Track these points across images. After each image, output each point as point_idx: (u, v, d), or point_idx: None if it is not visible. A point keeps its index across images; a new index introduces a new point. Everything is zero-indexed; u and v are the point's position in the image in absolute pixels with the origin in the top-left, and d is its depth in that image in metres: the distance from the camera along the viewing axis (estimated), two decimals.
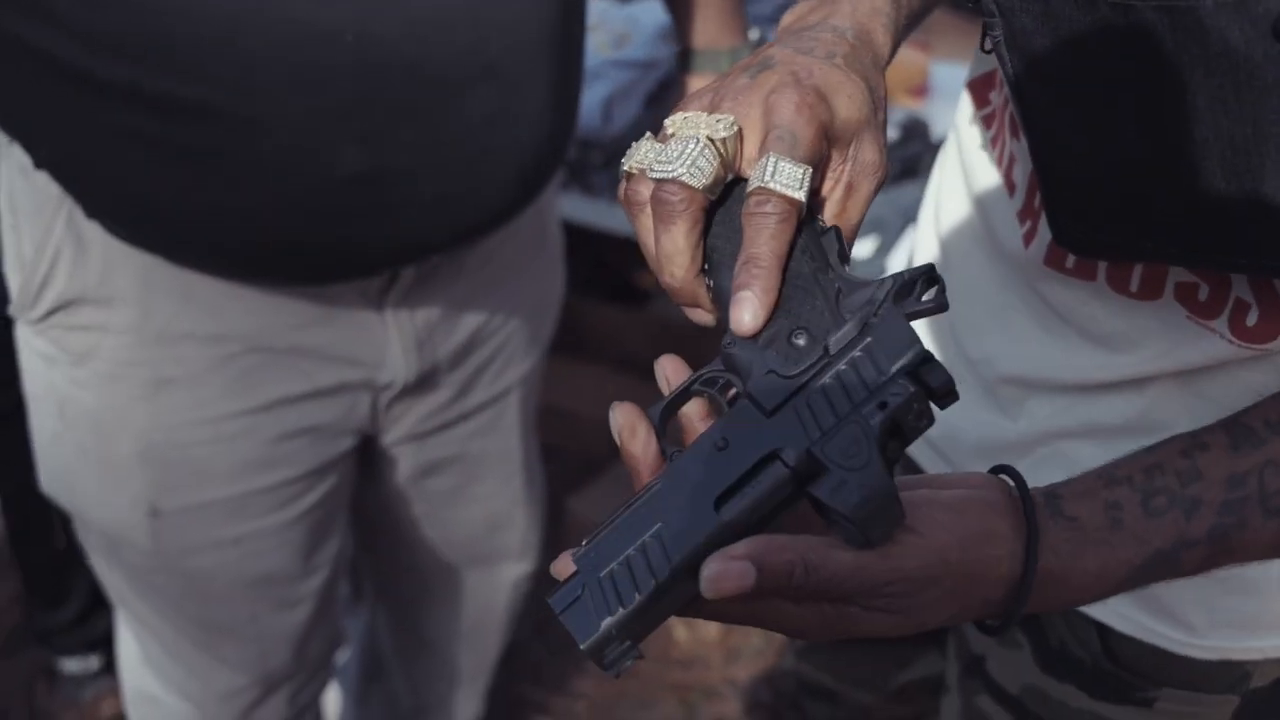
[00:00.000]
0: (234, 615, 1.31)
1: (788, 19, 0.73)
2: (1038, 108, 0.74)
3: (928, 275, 0.61)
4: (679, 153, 0.62)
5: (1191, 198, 0.69)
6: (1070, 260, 0.84)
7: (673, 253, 0.63)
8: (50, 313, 1.12)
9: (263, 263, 1.06)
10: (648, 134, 0.66)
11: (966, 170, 0.95)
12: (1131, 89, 0.69)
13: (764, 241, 0.61)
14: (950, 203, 0.98)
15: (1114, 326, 0.84)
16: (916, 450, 1.03)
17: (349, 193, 1.00)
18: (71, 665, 2.11)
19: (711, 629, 2.25)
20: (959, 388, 0.87)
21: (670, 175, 0.62)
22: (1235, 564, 0.69)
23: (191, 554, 1.23)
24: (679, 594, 0.59)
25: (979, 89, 0.94)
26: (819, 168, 0.64)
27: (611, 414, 0.62)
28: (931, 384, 0.59)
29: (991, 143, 0.91)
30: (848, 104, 0.64)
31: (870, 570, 0.59)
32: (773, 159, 0.61)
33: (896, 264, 1.79)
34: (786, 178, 0.61)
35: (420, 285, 1.18)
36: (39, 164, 1.04)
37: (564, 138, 1.13)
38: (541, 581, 1.87)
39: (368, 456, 1.35)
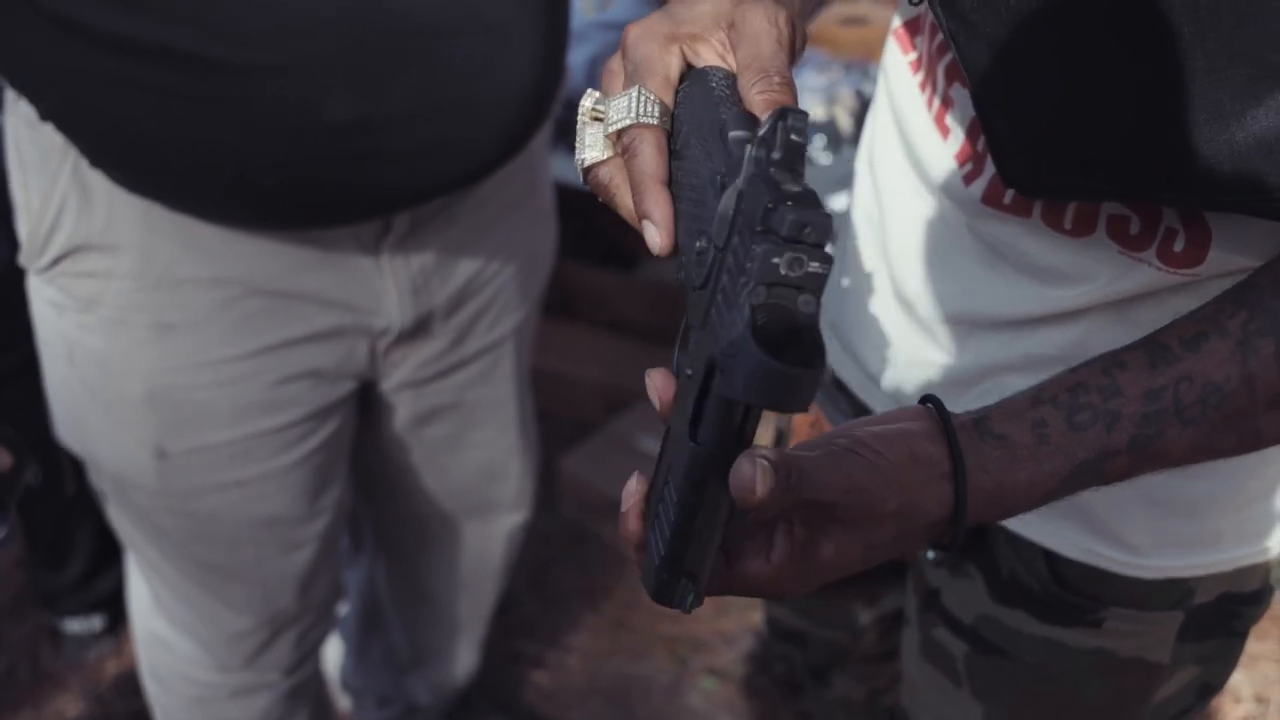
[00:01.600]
0: (239, 557, 1.34)
1: None
2: (972, 58, 0.77)
3: (778, 115, 0.57)
4: (622, 107, 0.67)
5: (1120, 138, 0.72)
6: (1008, 197, 0.86)
7: (645, 170, 0.67)
8: (57, 260, 1.15)
9: (258, 208, 1.09)
10: (583, 124, 0.71)
11: (897, 115, 0.97)
12: (1053, 36, 0.72)
13: (634, 171, 0.67)
14: (884, 149, 1.00)
15: (1049, 261, 0.87)
16: (864, 393, 1.07)
17: (340, 139, 1.03)
18: (75, 626, 2.15)
19: None
20: (891, 323, 0.91)
21: (626, 125, 0.67)
22: (1155, 470, 0.73)
23: (197, 496, 1.27)
24: (707, 521, 0.61)
25: (905, 35, 0.96)
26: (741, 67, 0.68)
27: (648, 379, 0.66)
28: (781, 232, 0.54)
29: (920, 87, 0.93)
30: (710, 6, 0.70)
31: (832, 473, 0.64)
32: (623, 98, 0.68)
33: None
34: (616, 114, 0.68)
35: (414, 232, 1.21)
36: (44, 116, 1.07)
37: (552, 88, 1.16)
38: (535, 534, 1.91)
39: (367, 404, 1.39)
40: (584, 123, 0.69)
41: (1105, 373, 0.72)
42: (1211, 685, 1.06)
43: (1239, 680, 2.14)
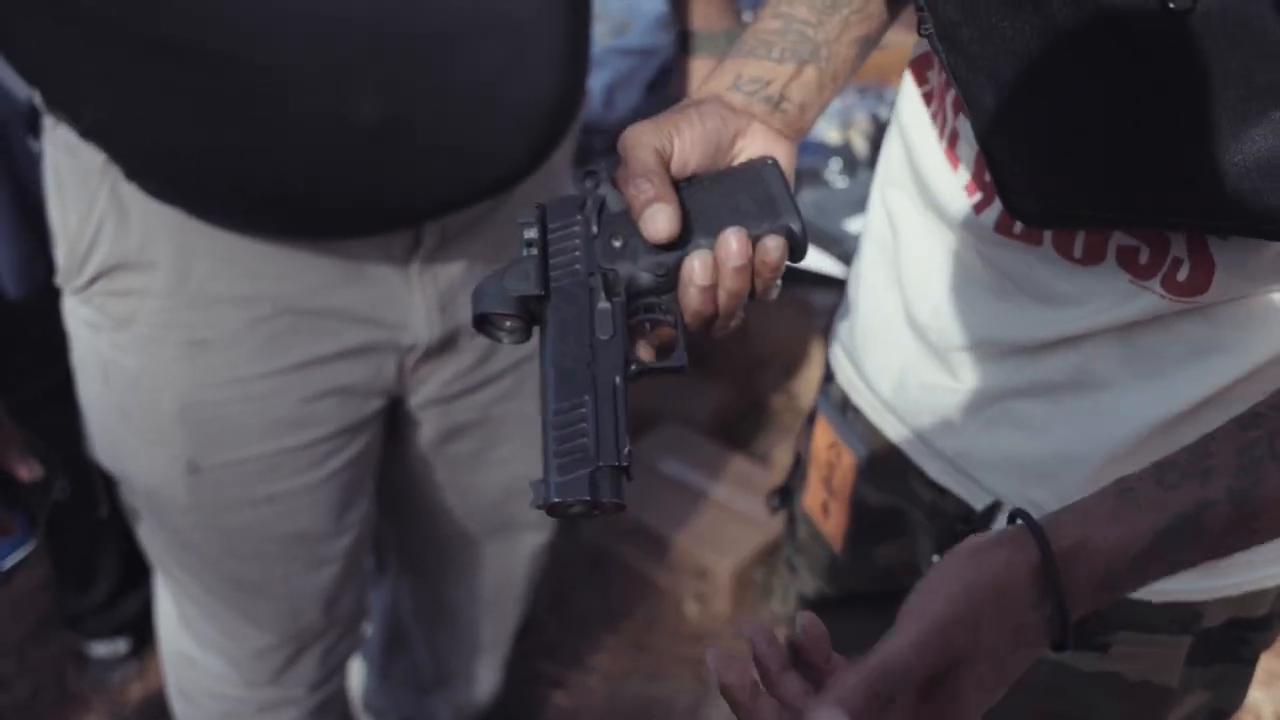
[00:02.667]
0: (267, 573, 1.36)
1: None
2: (973, 92, 0.79)
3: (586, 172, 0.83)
4: None
5: (1123, 166, 0.74)
6: (1018, 227, 0.88)
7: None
8: (94, 279, 1.18)
9: (291, 216, 1.11)
10: None
11: (909, 146, 0.99)
12: (1051, 68, 0.74)
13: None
14: (896, 178, 1.03)
15: (1060, 289, 0.88)
16: (876, 417, 1.09)
17: (368, 142, 1.05)
18: (100, 649, 2.17)
19: (721, 605, 2.31)
20: (903, 349, 0.99)
21: None
22: (1262, 534, 0.69)
23: (228, 511, 1.29)
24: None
25: (918, 68, 0.99)
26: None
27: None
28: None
29: (933, 118, 0.96)
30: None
31: (914, 631, 0.64)
32: None
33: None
34: None
35: (443, 247, 1.23)
36: (84, 133, 1.10)
37: (574, 99, 1.18)
38: (556, 556, 1.92)
39: (394, 421, 1.40)
40: None
41: (1191, 448, 0.70)
42: (1224, 710, 1.06)
43: (1259, 698, 2.14)
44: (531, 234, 0.81)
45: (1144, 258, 0.83)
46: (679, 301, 0.80)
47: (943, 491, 1.04)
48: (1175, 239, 0.81)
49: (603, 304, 0.78)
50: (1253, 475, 0.67)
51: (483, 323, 0.79)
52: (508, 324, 0.79)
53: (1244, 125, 0.68)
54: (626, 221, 0.80)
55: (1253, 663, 1.04)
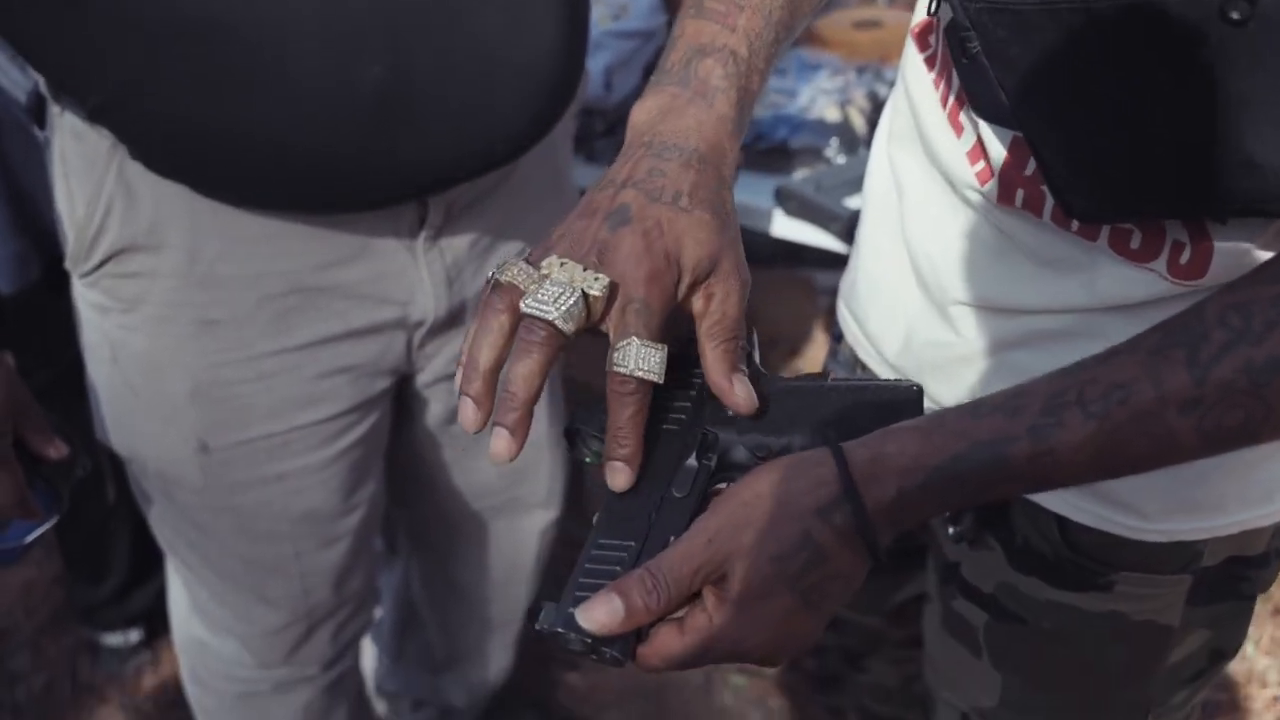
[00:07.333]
0: (278, 552, 1.38)
1: (639, 115, 0.81)
2: (1025, 107, 0.80)
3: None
4: (554, 297, 0.71)
5: (1177, 163, 0.75)
6: (1019, 198, 0.89)
7: (527, 376, 0.72)
8: (103, 263, 1.19)
9: (296, 189, 1.12)
10: (524, 256, 0.75)
11: (914, 109, 1.00)
12: (1106, 79, 0.75)
13: (627, 419, 0.74)
14: (902, 138, 1.04)
15: (1062, 252, 0.90)
16: (884, 372, 1.10)
17: (373, 111, 1.06)
18: (112, 640, 2.19)
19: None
20: (908, 305, 1.00)
21: (545, 317, 0.71)
22: (1061, 475, 0.73)
23: (239, 490, 1.30)
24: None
25: (921, 34, 1.00)
26: (680, 305, 0.76)
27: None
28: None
29: (934, 84, 0.97)
30: (694, 246, 0.75)
31: (688, 541, 0.71)
32: (634, 345, 0.72)
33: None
34: (646, 364, 0.72)
35: (449, 222, 1.24)
36: (91, 115, 1.11)
37: (574, 65, 1.19)
38: (566, 538, 1.93)
39: (402, 399, 1.42)
40: (573, 290, 0.71)
41: (1010, 390, 0.74)
42: (1223, 650, 1.08)
43: (1267, 666, 2.15)
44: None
45: (1135, 243, 0.85)
46: None
47: None
48: (1172, 225, 0.83)
49: (691, 461, 0.77)
50: (1055, 416, 0.71)
51: (573, 435, 0.79)
52: (597, 446, 0.77)
53: None
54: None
55: (1252, 599, 1.06)
